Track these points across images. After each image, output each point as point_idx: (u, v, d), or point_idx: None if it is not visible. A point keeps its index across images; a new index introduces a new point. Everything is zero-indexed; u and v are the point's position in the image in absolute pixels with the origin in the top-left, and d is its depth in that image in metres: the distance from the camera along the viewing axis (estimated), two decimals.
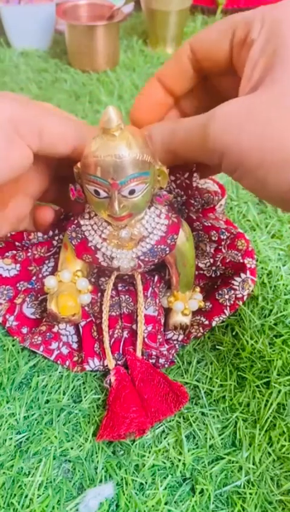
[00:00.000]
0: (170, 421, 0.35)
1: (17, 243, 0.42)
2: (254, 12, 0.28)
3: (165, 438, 0.34)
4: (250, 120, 0.25)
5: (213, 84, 0.33)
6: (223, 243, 0.44)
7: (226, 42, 0.29)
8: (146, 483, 0.32)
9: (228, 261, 0.43)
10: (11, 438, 0.34)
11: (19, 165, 0.29)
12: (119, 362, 0.37)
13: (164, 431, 0.34)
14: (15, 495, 0.31)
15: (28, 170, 0.31)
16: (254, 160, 0.25)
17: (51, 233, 0.40)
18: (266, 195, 0.27)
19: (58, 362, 0.38)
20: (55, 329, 0.38)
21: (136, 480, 0.32)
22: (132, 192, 0.29)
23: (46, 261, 0.42)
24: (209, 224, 0.44)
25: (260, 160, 0.24)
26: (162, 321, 0.39)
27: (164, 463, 0.33)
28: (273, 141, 0.24)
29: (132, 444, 0.33)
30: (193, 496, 0.31)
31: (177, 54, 0.32)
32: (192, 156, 0.29)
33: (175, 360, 0.38)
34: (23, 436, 0.34)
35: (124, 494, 0.31)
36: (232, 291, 0.42)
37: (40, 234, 0.40)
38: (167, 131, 0.31)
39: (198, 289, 0.39)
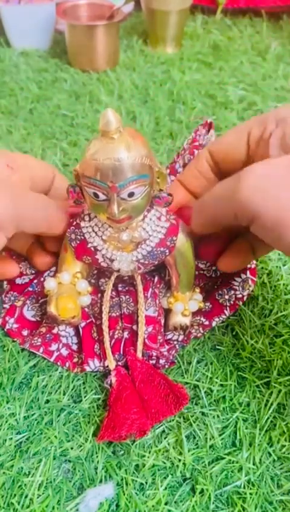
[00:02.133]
0: (170, 421, 0.35)
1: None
2: (266, 114, 0.32)
3: (165, 438, 0.34)
4: (278, 183, 0.26)
5: None
6: None
7: (243, 143, 0.32)
8: (146, 483, 0.32)
9: None
10: (11, 438, 0.34)
11: None
12: (119, 363, 0.37)
13: (164, 431, 0.34)
14: (15, 495, 0.31)
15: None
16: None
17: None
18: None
19: (58, 363, 0.38)
20: (55, 331, 0.38)
21: (136, 480, 0.32)
22: (131, 194, 0.29)
23: None
24: None
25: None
26: (162, 322, 0.39)
27: (164, 463, 0.33)
28: None
29: (132, 444, 0.33)
30: (193, 496, 0.31)
31: (196, 158, 0.35)
32: (223, 221, 0.31)
33: (175, 361, 0.38)
34: (23, 436, 0.34)
35: (124, 494, 0.31)
36: (232, 292, 0.42)
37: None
38: (198, 202, 0.34)
39: (198, 289, 0.39)
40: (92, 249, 0.34)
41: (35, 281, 0.41)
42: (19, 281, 0.42)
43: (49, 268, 0.40)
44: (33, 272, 0.41)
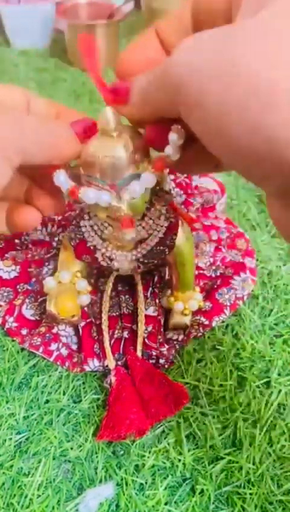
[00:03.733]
0: (170, 421, 0.35)
1: (16, 240, 0.42)
2: None
3: (165, 438, 0.34)
4: (216, 44, 0.19)
5: None
6: (223, 242, 0.44)
7: None
8: (146, 483, 0.32)
9: (228, 260, 0.43)
10: (10, 438, 0.34)
11: None
12: (119, 362, 0.37)
13: (163, 431, 0.34)
14: (15, 495, 0.31)
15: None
16: (213, 92, 0.18)
17: (50, 229, 0.39)
18: (219, 143, 0.20)
19: (58, 363, 0.38)
20: (54, 330, 0.38)
21: (136, 481, 0.32)
22: None
23: (46, 263, 0.42)
24: (209, 224, 0.44)
25: (221, 91, 0.18)
26: (162, 321, 0.39)
27: (164, 463, 0.33)
28: (241, 67, 0.18)
29: (132, 444, 0.33)
30: (193, 496, 0.31)
31: (180, 8, 0.29)
32: (160, 107, 0.24)
33: (175, 360, 0.38)
34: (23, 436, 0.34)
35: (124, 494, 0.31)
36: (232, 291, 0.42)
37: (39, 227, 0.40)
38: (145, 80, 0.25)
39: (198, 289, 0.39)
40: (92, 248, 0.34)
41: (33, 280, 0.41)
42: (5, 275, 0.41)
43: (54, 212, 0.33)
44: (19, 260, 0.41)
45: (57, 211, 0.33)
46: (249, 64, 0.17)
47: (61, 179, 0.28)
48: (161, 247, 0.34)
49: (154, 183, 0.28)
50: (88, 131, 0.29)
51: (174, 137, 0.26)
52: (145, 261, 0.34)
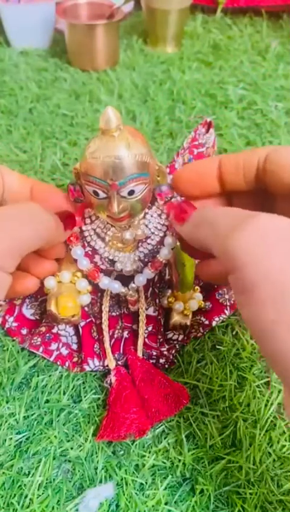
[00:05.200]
0: (170, 421, 0.35)
1: None
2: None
3: (165, 438, 0.34)
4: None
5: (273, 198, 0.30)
6: None
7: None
8: (146, 483, 0.32)
9: None
10: (10, 438, 0.34)
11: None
12: (119, 362, 0.37)
13: (164, 431, 0.34)
14: (15, 495, 0.31)
15: None
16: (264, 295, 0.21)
17: None
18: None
19: (58, 363, 0.38)
20: (54, 330, 0.38)
21: (136, 480, 0.32)
22: (131, 192, 0.29)
23: None
24: None
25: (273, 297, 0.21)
26: (162, 321, 0.39)
27: (164, 463, 0.33)
28: None
29: (132, 444, 0.33)
30: (193, 496, 0.31)
31: (249, 154, 0.29)
32: (207, 254, 0.27)
33: (175, 360, 0.38)
34: (23, 436, 0.34)
35: (124, 494, 0.31)
36: (232, 291, 0.42)
37: None
38: (200, 218, 0.28)
39: (198, 289, 0.39)
40: (90, 252, 0.34)
41: None
42: None
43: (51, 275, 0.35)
44: None
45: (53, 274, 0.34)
46: None
47: (78, 252, 0.34)
48: (162, 246, 0.34)
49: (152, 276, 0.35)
50: (69, 222, 0.32)
51: (169, 240, 0.33)
52: (146, 259, 0.34)
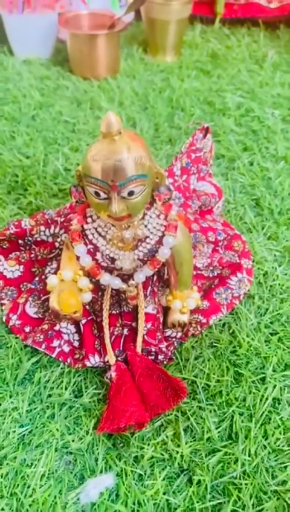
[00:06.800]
0: (168, 415, 0.36)
1: (20, 241, 0.43)
2: None
3: (163, 431, 0.35)
4: None
5: None
6: (220, 243, 0.45)
7: None
8: (145, 474, 0.33)
9: (225, 261, 0.44)
10: (14, 431, 0.35)
11: None
12: (119, 358, 0.38)
13: (162, 424, 0.35)
14: (18, 485, 0.32)
15: None
16: None
17: (53, 230, 0.41)
18: None
19: (60, 359, 0.39)
20: (57, 328, 0.39)
21: (135, 471, 0.33)
22: (131, 193, 0.31)
23: (49, 263, 0.43)
24: (207, 226, 0.45)
25: None
26: (161, 319, 0.40)
27: (163, 455, 0.34)
28: None
29: (132, 437, 0.34)
30: (191, 487, 0.32)
31: None
32: None
33: (173, 357, 0.39)
34: (26, 429, 0.35)
35: (123, 484, 0.32)
36: (229, 291, 0.43)
37: (42, 228, 0.41)
38: None
39: (196, 288, 0.40)
40: (92, 249, 0.35)
41: (36, 279, 0.42)
42: (9, 274, 0.43)
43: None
44: (23, 260, 0.43)
45: None
46: None
47: (81, 250, 0.35)
48: (161, 246, 0.35)
49: None
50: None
51: (168, 240, 0.35)
52: (145, 258, 0.36)
